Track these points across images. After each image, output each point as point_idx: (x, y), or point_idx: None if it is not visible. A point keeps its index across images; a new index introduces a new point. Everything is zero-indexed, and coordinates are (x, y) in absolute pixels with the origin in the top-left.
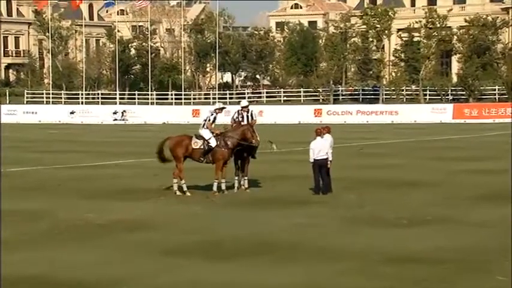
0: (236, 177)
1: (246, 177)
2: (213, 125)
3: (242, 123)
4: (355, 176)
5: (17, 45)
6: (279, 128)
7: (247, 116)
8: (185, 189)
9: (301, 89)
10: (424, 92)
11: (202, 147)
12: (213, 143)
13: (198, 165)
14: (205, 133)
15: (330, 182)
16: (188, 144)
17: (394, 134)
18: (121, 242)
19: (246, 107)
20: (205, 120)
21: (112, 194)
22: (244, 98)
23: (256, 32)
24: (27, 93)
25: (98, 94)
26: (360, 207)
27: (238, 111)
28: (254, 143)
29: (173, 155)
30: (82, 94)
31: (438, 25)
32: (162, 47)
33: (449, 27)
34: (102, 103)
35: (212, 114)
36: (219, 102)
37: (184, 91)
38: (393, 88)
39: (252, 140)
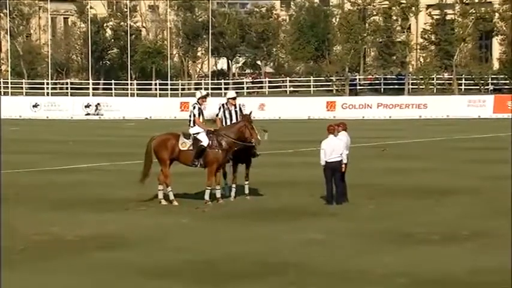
0: (233, 185)
1: (247, 182)
2: (200, 119)
3: (224, 121)
4: (376, 182)
5: None
6: (284, 125)
7: (236, 112)
8: (172, 197)
9: (311, 78)
10: (459, 81)
11: (192, 148)
12: (204, 140)
13: (188, 169)
14: (195, 130)
15: (345, 190)
16: (174, 144)
17: (423, 132)
18: (93, 262)
19: (234, 99)
20: (190, 117)
21: (83, 204)
22: (242, 88)
23: (257, 10)
24: None
25: (67, 84)
26: (382, 220)
27: (223, 104)
28: (254, 143)
29: (157, 157)
30: (47, 83)
31: (476, 0)
32: (144, 27)
33: (490, 2)
34: (72, 94)
35: (195, 108)
36: (199, 91)
37: (171, 80)
38: (421, 76)
39: (252, 139)
